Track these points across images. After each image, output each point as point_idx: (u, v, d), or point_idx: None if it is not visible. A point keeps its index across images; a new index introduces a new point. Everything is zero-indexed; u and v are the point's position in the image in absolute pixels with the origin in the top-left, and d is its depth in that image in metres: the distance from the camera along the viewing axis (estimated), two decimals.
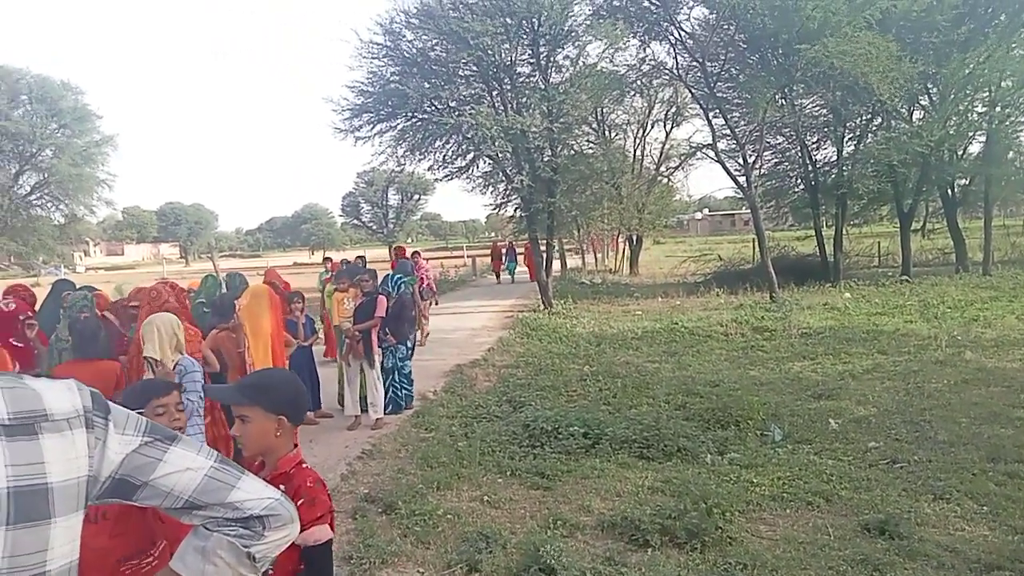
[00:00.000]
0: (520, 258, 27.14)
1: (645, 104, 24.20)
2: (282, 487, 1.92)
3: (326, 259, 13.34)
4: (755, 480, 5.16)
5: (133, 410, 1.05)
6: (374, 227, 55.33)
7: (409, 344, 7.80)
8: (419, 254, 14.43)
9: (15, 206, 31.36)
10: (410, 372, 7.78)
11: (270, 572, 1.76)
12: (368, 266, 9.65)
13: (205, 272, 11.41)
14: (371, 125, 15.73)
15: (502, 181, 16.97)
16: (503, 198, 17.69)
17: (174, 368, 3.80)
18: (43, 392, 0.94)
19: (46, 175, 31.68)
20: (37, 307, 5.68)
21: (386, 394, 7.37)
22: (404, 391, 7.65)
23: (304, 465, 1.99)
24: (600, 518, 4.63)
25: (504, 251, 26.47)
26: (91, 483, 0.97)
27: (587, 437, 6.23)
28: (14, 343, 4.80)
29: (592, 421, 6.54)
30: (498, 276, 25.97)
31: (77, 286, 6.03)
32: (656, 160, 27.37)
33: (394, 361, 7.53)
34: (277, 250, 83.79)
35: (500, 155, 15.63)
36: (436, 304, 9.63)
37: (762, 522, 4.54)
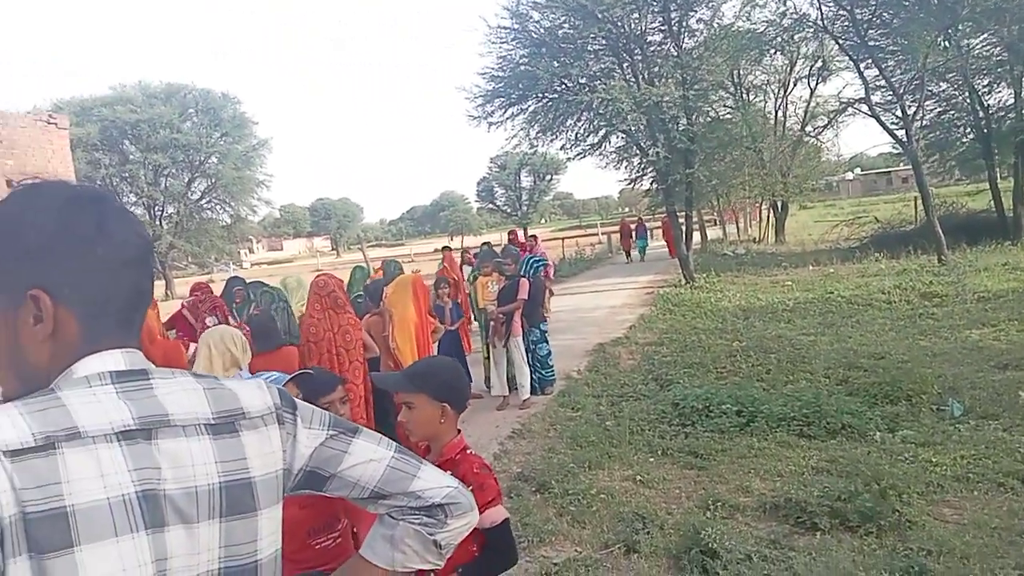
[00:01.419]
0: (657, 233, 26.34)
1: (786, 62, 22.73)
2: (449, 473, 1.97)
3: (444, 248, 13.00)
4: (934, 459, 4.74)
5: None
6: (508, 210, 56.08)
7: (542, 328, 7.81)
8: (536, 238, 14.41)
9: (189, 211, 34.58)
10: (548, 354, 7.79)
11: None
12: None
13: (355, 262, 12.06)
14: (503, 109, 15.89)
15: (636, 155, 16.64)
16: (637, 172, 17.36)
17: None
18: (239, 391, 0.99)
19: (213, 180, 34.64)
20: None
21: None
22: (539, 373, 7.68)
23: (469, 451, 2.03)
24: (761, 499, 4.44)
25: (633, 228, 25.25)
26: (286, 476, 1.02)
27: (741, 415, 6.00)
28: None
29: (745, 398, 6.27)
30: (628, 254, 24.86)
31: (247, 281, 6.55)
32: (801, 120, 25.71)
33: (527, 344, 7.57)
34: (418, 237, 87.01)
35: (633, 128, 15.29)
36: (551, 294, 9.49)
37: (946, 505, 4.17)
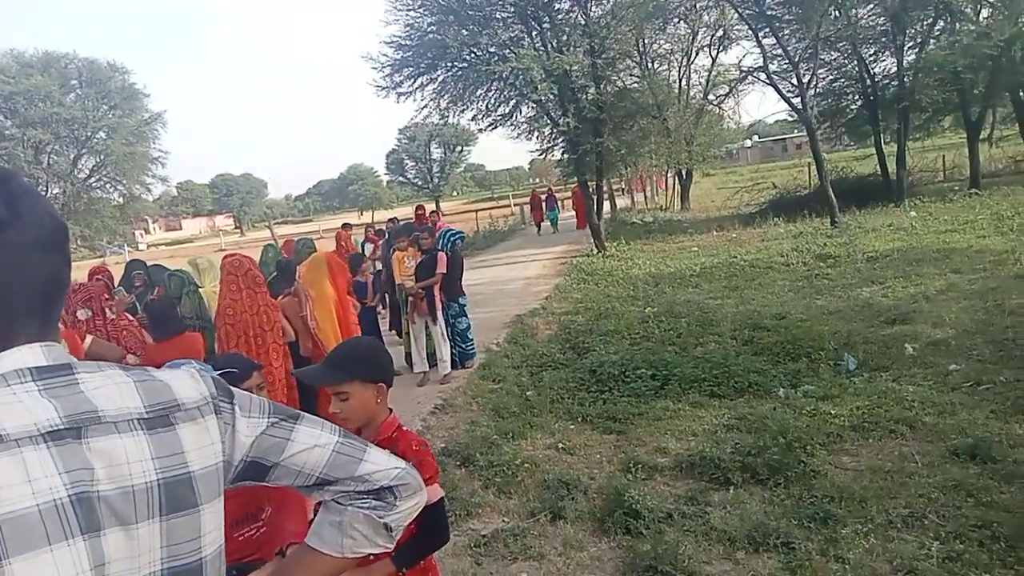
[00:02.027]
0: (567, 203, 26.49)
1: (689, 31, 23.28)
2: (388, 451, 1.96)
3: (344, 226, 12.27)
4: (833, 412, 5.06)
5: None
6: (419, 183, 55.55)
7: (461, 302, 7.81)
8: (437, 213, 14.34)
9: (76, 190, 32.42)
10: (467, 328, 7.80)
11: None
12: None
13: (260, 241, 11.66)
14: (412, 79, 15.60)
15: (547, 125, 16.72)
16: (548, 142, 17.46)
17: None
18: (172, 382, 0.94)
19: (102, 157, 32.57)
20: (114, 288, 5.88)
21: None
22: (460, 347, 7.70)
23: (404, 428, 2.01)
24: (677, 459, 4.63)
25: (544, 199, 24.91)
26: (226, 468, 0.98)
27: (655, 379, 6.21)
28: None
29: (659, 362, 6.50)
30: (539, 227, 24.45)
31: (149, 265, 6.23)
32: (704, 89, 26.46)
33: (446, 318, 7.57)
34: (327, 213, 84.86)
35: (544, 98, 15.34)
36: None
37: (844, 453, 4.47)
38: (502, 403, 6.12)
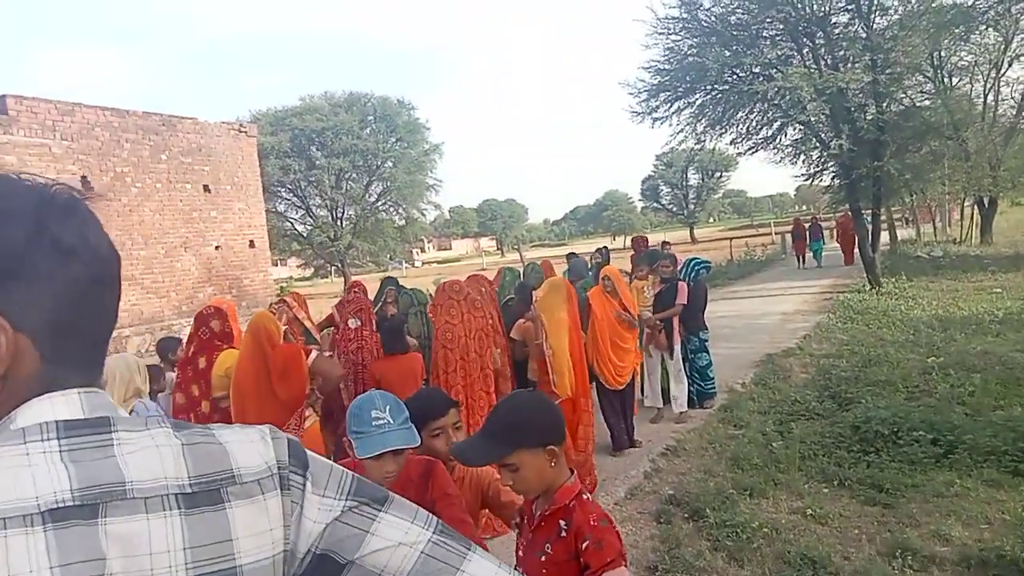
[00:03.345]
0: (830, 234, 23.72)
1: (1000, 38, 19.98)
2: (562, 522, 1.67)
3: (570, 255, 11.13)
4: None
5: None
6: (674, 209, 54.62)
7: (702, 336, 7.25)
8: (668, 244, 13.41)
9: (366, 212, 36.73)
10: (708, 365, 7.22)
11: None
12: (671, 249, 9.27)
13: (516, 262, 12.02)
14: (668, 104, 15.23)
15: (816, 148, 15.31)
16: (817, 167, 15.98)
17: (130, 414, 3.60)
18: (232, 445, 0.76)
19: (388, 184, 36.53)
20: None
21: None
22: (698, 385, 7.14)
23: (585, 497, 1.70)
24: (964, 551, 3.72)
25: (808, 228, 22.00)
26: (288, 560, 0.77)
27: (937, 444, 5.18)
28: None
29: (942, 425, 5.42)
30: (801, 259, 21.68)
31: (399, 282, 6.62)
32: (1017, 105, 22.53)
33: (685, 353, 7.06)
34: (581, 237, 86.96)
35: (813, 119, 14.06)
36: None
37: None
38: (742, 452, 5.49)
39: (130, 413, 3.64)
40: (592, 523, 1.63)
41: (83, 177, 10.80)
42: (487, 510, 2.30)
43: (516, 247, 46.85)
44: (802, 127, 14.97)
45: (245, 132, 13.78)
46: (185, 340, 6.52)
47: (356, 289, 6.14)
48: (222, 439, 0.75)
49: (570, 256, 10.27)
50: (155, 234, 11.87)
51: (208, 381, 4.45)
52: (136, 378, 3.74)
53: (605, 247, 11.66)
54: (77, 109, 10.81)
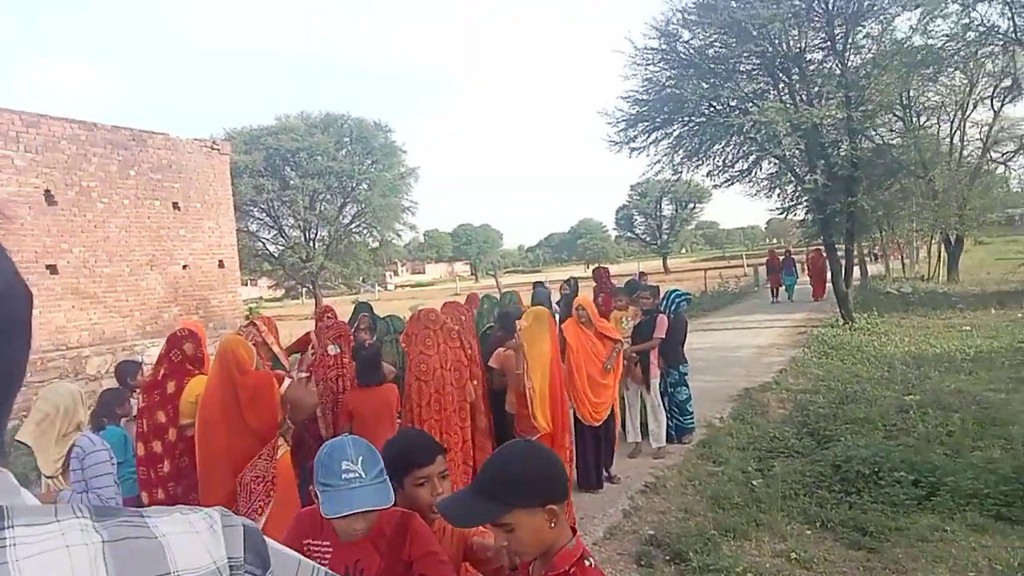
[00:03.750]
0: (800, 268, 23.55)
1: (966, 80, 20.52)
2: None
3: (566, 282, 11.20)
4: None
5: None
6: (647, 239, 55.02)
7: (683, 369, 7.15)
8: (645, 275, 13.27)
9: (339, 234, 36.37)
10: (687, 399, 7.11)
11: None
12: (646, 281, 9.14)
13: (491, 288, 11.86)
14: (646, 134, 15.29)
15: (790, 182, 15.47)
16: (791, 200, 16.09)
17: (70, 451, 3.39)
18: (171, 539, 0.59)
19: (363, 206, 36.26)
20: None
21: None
22: (677, 420, 7.01)
23: (588, 563, 1.51)
24: None
25: (782, 262, 21.41)
26: None
27: (918, 486, 5.12)
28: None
29: (923, 465, 5.37)
30: (775, 291, 21.25)
31: (373, 309, 6.43)
32: (983, 145, 23.10)
33: (664, 387, 6.94)
34: (554, 265, 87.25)
35: (788, 154, 14.21)
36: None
37: None
38: (723, 491, 5.36)
39: (71, 449, 3.40)
40: None
41: (47, 191, 10.44)
42: (468, 564, 2.10)
43: (492, 273, 46.69)
44: (777, 161, 15.10)
45: (218, 150, 13.51)
46: (146, 363, 6.23)
47: (330, 314, 5.93)
48: (159, 531, 0.59)
49: (536, 285, 10.08)
50: (120, 251, 11.50)
51: (176, 407, 4.21)
52: (80, 410, 3.49)
53: (574, 278, 11.50)
54: (43, 121, 10.49)
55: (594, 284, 9.35)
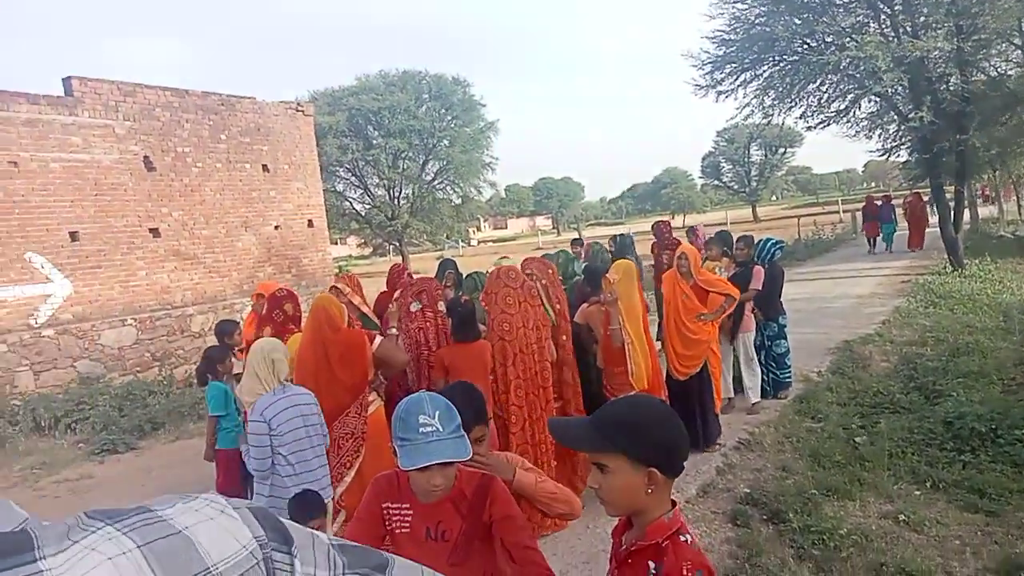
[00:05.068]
0: (903, 213, 21.62)
1: None
2: (652, 564, 1.41)
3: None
4: None
5: None
6: (735, 186, 53.11)
7: (781, 322, 6.84)
8: (695, 229, 11.84)
9: (423, 192, 36.78)
10: (786, 353, 6.82)
11: None
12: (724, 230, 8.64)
13: (574, 240, 11.66)
14: (734, 76, 14.58)
15: (892, 121, 14.49)
16: (894, 141, 15.12)
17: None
18: (194, 530, 0.55)
19: (444, 162, 36.47)
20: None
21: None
22: (774, 374, 6.75)
23: (685, 539, 1.43)
24: None
25: (879, 208, 19.20)
26: None
27: None
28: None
29: None
30: (872, 242, 19.38)
31: (457, 266, 6.43)
32: None
33: (762, 340, 6.67)
34: (639, 216, 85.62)
35: (890, 90, 13.23)
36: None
37: None
38: (823, 448, 5.13)
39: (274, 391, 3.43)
40: (685, 573, 1.36)
41: (146, 157, 10.90)
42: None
43: (574, 226, 46.26)
44: (878, 99, 14.16)
45: (302, 111, 13.73)
46: (245, 323, 6.47)
47: (397, 271, 6.03)
48: (179, 523, 0.54)
49: (617, 237, 9.49)
50: (216, 213, 11.94)
51: None
52: (280, 360, 3.51)
53: (623, 233, 11.13)
54: (138, 90, 10.89)
55: (653, 239, 8.71)
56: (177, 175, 11.41)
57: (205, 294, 11.63)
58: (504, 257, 6.54)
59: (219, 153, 12.06)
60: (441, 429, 1.69)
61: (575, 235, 21.22)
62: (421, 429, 1.68)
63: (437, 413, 1.71)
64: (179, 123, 11.43)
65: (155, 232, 11.02)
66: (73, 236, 9.96)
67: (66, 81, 10.17)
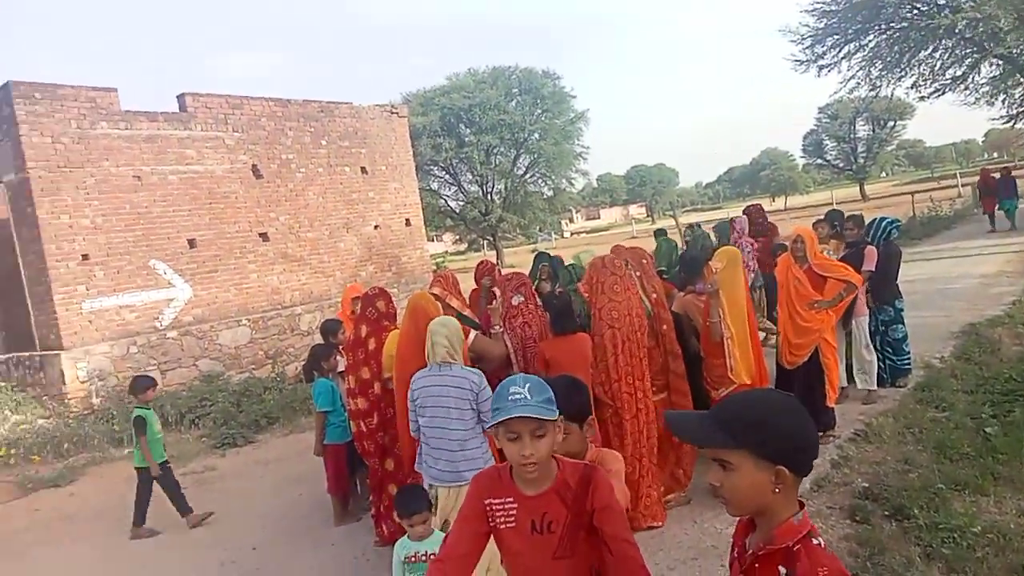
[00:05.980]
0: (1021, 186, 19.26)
1: None
2: (783, 570, 1.33)
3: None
4: None
5: None
6: (840, 164, 50.49)
7: (898, 305, 6.43)
8: (763, 212, 10.22)
9: (515, 185, 37.02)
10: (904, 338, 6.40)
11: None
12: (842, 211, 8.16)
13: (672, 228, 11.44)
14: (836, 49, 13.89)
15: (1018, 84, 13.38)
16: (1020, 106, 13.97)
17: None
18: None
19: (535, 156, 36.58)
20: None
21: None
22: (891, 360, 6.35)
23: (816, 542, 1.33)
24: None
25: (998, 182, 17.01)
26: None
27: None
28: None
29: None
30: (992, 219, 17.35)
31: (551, 255, 6.42)
32: None
33: (876, 325, 6.29)
34: (736, 200, 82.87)
35: (1015, 51, 12.22)
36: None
37: None
38: (949, 440, 4.79)
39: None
40: None
41: (254, 166, 11.48)
42: None
43: (670, 212, 45.21)
44: (1000, 62, 13.09)
45: (397, 113, 14.09)
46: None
47: (484, 268, 6.08)
48: None
49: (722, 223, 8.98)
50: (319, 216, 12.45)
51: (379, 362, 4.48)
52: (458, 336, 3.65)
53: (697, 223, 10.62)
54: (245, 102, 11.47)
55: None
56: (283, 181, 11.95)
57: (312, 294, 12.14)
58: (585, 251, 6.48)
59: (320, 158, 12.56)
60: (529, 397, 1.75)
61: (671, 222, 20.73)
62: (511, 397, 1.76)
63: (528, 385, 1.78)
64: (283, 131, 11.97)
65: (264, 236, 11.60)
66: (191, 243, 10.63)
67: (180, 98, 10.84)
